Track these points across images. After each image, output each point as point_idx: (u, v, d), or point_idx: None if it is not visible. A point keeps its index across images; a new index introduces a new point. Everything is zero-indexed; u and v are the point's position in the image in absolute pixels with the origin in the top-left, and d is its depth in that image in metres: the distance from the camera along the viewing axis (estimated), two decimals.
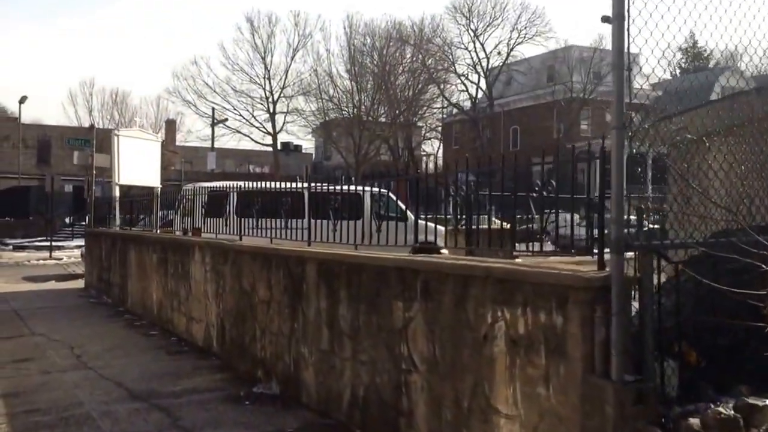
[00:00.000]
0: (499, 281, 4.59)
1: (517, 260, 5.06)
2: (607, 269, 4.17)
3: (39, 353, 8.84)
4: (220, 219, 10.00)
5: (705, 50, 77.26)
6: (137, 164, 16.82)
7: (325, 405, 6.43)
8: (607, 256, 4.14)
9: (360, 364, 6.00)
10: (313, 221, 7.39)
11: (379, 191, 11.08)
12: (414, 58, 53.55)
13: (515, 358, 4.46)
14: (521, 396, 4.41)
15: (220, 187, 11.09)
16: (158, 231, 13.77)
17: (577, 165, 4.77)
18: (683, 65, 75.61)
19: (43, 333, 10.25)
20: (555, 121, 53.89)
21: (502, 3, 55.15)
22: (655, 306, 4.29)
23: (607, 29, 4.17)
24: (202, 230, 11.52)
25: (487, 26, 55.52)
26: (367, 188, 11.27)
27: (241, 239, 8.92)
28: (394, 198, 11.26)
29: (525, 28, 55.12)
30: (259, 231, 8.54)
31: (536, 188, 5.05)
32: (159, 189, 16.46)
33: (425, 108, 55.80)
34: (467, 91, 57.66)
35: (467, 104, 58.02)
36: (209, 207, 11.68)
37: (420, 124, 57.49)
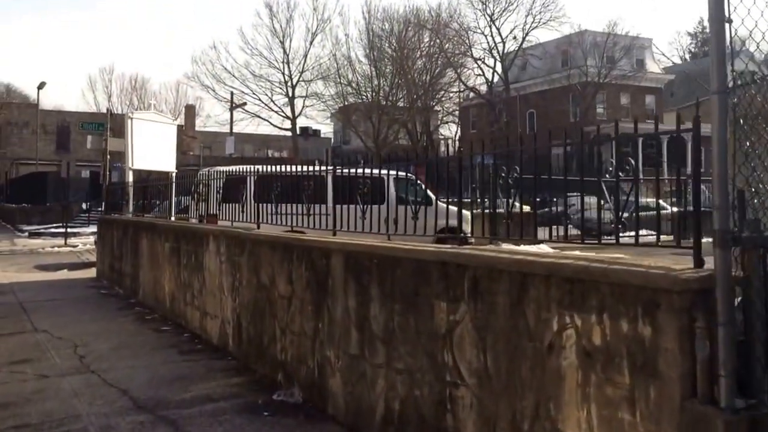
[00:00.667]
0: (567, 281, 3.80)
1: (586, 254, 4.27)
2: (708, 267, 3.39)
3: (39, 353, 8.13)
4: (237, 205, 9.26)
5: None
6: (152, 148, 16.10)
7: (354, 418, 5.67)
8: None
9: (395, 372, 5.24)
10: (337, 207, 6.64)
11: (406, 175, 10.37)
12: (432, 43, 52.76)
13: (589, 374, 3.68)
14: (598, 421, 3.63)
15: (237, 171, 10.36)
16: (173, 218, 13.09)
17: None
18: (693, 50, 74.18)
19: (46, 329, 9.55)
20: (570, 104, 53.31)
21: None
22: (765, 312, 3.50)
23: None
24: (219, 217, 10.82)
25: (503, 11, 54.92)
26: (392, 172, 10.51)
27: (258, 227, 8.17)
28: (419, 182, 10.58)
29: (540, 13, 54.74)
30: (279, 218, 7.79)
31: (607, 172, 4.27)
32: (174, 174, 15.76)
33: (442, 92, 55.06)
34: (484, 75, 57.02)
35: (483, 88, 57.28)
36: (226, 192, 10.98)
37: (437, 108, 56.75)
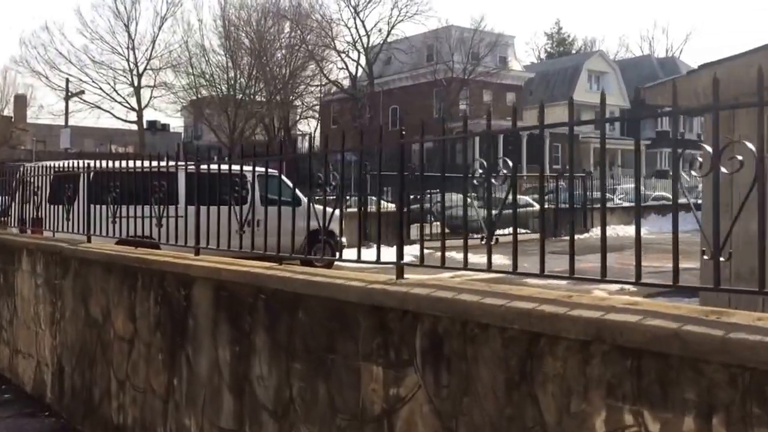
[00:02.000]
0: (630, 353, 2.18)
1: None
2: None
3: None
4: (67, 209, 7.05)
5: (569, 36, 79.29)
6: None
7: None
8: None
9: None
10: (196, 213, 4.74)
11: (266, 171, 8.72)
12: (293, 34, 50.51)
13: None
14: None
15: (69, 166, 8.22)
16: None
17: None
18: (548, 50, 77.14)
19: None
20: (435, 100, 53.01)
21: None
22: None
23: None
24: (46, 224, 8.51)
25: (368, 2, 53.38)
26: (258, 168, 8.68)
27: (89, 240, 6.06)
28: (286, 179, 8.94)
29: (406, 6, 53.58)
30: (120, 227, 5.71)
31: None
32: None
33: (303, 86, 52.90)
34: (347, 69, 55.41)
35: (346, 83, 55.76)
36: (54, 194, 8.67)
37: (297, 103, 54.51)
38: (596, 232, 29.53)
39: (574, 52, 73.38)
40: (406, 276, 3.22)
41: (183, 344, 4.37)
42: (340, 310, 3.24)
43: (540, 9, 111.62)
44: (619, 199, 30.76)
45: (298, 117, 55.83)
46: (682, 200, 2.42)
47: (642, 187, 34.05)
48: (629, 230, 29.47)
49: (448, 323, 2.75)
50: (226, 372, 3.99)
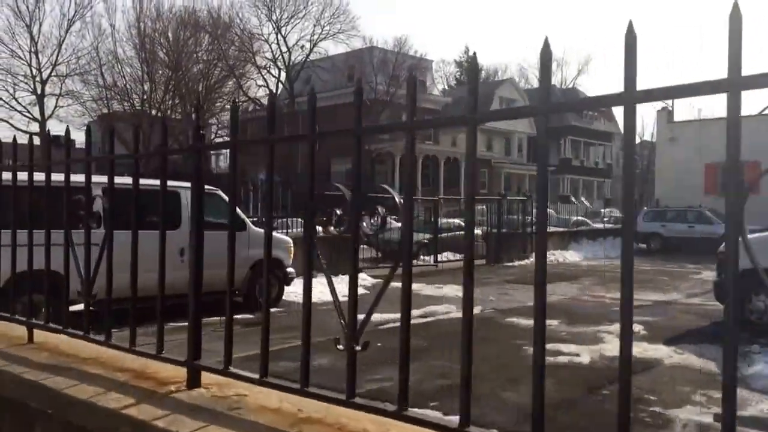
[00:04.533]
0: None
1: None
2: None
3: None
4: None
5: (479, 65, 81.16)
6: None
7: None
8: None
9: None
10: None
11: (194, 188, 7.24)
12: (211, 48, 48.56)
13: None
14: None
15: None
16: None
17: None
18: (458, 77, 78.05)
19: None
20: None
21: None
22: None
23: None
24: None
25: (291, 18, 52.21)
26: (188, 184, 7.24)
27: None
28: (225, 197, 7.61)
29: (329, 24, 52.76)
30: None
31: None
32: None
33: (221, 101, 50.67)
34: (267, 86, 53.92)
35: (266, 101, 54.13)
36: None
37: (212, 121, 52.16)
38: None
39: (482, 80, 74.57)
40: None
41: None
42: None
43: (448, 37, 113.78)
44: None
45: (214, 135, 53.45)
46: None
47: (562, 213, 33.62)
48: (567, 255, 25.31)
49: None
50: None
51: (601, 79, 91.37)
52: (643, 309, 12.96)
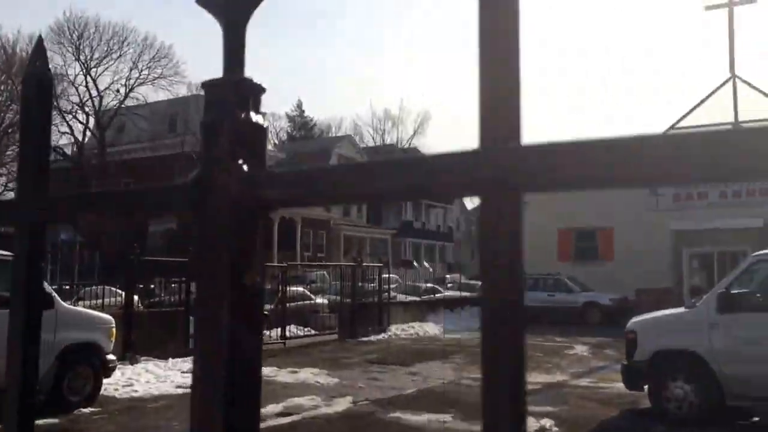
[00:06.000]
0: None
1: None
2: None
3: None
4: None
5: (311, 119, 78.95)
6: None
7: None
8: None
9: None
10: None
11: None
12: (2, 88, 42.79)
13: None
14: None
15: None
16: None
17: None
18: (290, 132, 76.15)
19: None
20: (178, 175, 47.85)
21: (120, 35, 47.58)
22: None
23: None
24: None
25: (103, 58, 47.36)
26: None
27: None
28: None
29: (148, 68, 48.43)
30: None
31: None
32: None
33: (13, 149, 44.44)
34: (72, 134, 48.32)
35: (71, 150, 48.67)
36: None
37: (2, 171, 45.76)
38: (395, 331, 21.47)
39: (315, 135, 73.15)
40: None
41: None
42: None
43: (280, 89, 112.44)
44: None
45: (2, 188, 46.93)
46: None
47: (408, 279, 30.37)
48: (427, 328, 22.77)
49: None
50: None
51: (437, 139, 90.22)
52: (538, 395, 10.88)
